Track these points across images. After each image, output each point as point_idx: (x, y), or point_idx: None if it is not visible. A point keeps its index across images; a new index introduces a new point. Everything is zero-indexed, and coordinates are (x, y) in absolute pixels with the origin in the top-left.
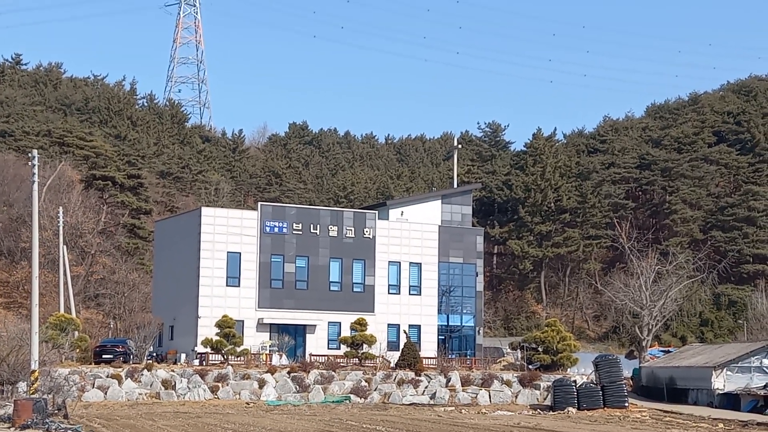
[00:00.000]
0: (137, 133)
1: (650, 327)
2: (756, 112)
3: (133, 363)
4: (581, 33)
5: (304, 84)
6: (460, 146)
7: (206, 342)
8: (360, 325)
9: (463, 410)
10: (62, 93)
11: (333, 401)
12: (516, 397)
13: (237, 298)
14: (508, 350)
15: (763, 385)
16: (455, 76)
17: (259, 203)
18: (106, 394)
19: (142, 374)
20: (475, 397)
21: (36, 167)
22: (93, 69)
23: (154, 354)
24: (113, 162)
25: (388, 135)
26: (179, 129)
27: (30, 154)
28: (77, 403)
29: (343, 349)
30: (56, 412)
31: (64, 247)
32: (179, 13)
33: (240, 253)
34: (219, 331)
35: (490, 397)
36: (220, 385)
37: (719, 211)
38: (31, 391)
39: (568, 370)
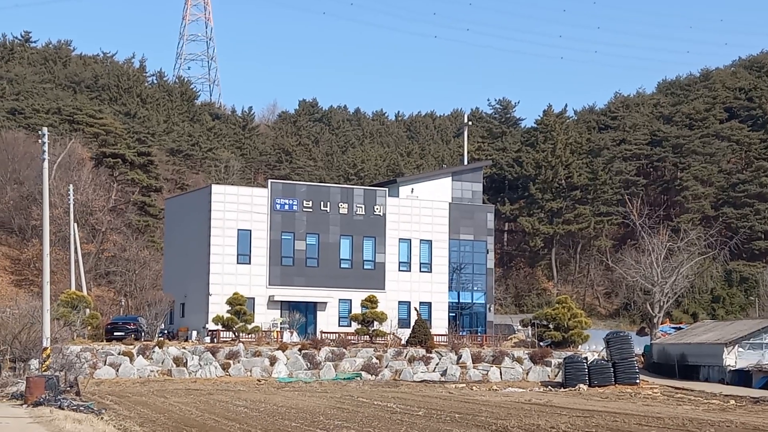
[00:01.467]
0: (147, 111)
1: (661, 304)
2: (767, 88)
3: (145, 340)
4: (592, 9)
5: (314, 61)
6: (470, 123)
7: (217, 319)
8: (371, 302)
9: (474, 387)
10: (72, 70)
11: (344, 378)
12: (527, 374)
13: (248, 276)
14: (519, 327)
15: None
16: (465, 52)
17: (270, 181)
18: (117, 371)
19: (154, 351)
20: (486, 374)
21: (46, 145)
22: (102, 46)
23: (166, 331)
24: (123, 139)
25: (398, 112)
26: (189, 106)
27: (40, 132)
28: (89, 380)
29: (354, 326)
30: (68, 389)
31: (75, 224)
32: None
33: (250, 231)
34: (230, 308)
35: (501, 374)
36: (231, 362)
37: (731, 187)
38: (43, 369)
39: (579, 347)
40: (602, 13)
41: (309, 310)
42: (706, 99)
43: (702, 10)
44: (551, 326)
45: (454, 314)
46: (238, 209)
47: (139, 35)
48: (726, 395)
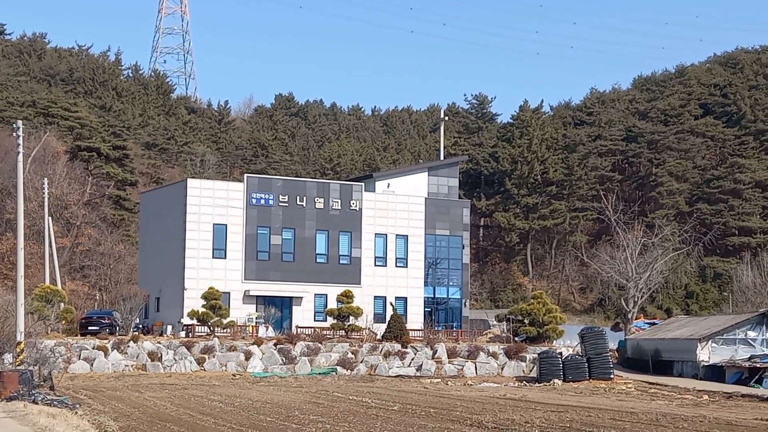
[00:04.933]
0: (122, 104)
1: (636, 299)
2: (742, 84)
3: (119, 335)
4: (568, 4)
5: (291, 55)
6: (446, 118)
7: (192, 314)
8: (346, 297)
9: (449, 382)
10: (47, 63)
11: (319, 373)
12: (502, 369)
13: (223, 270)
14: (495, 322)
15: (747, 357)
16: (442, 47)
17: (245, 175)
18: (92, 365)
19: (129, 346)
20: (461, 369)
21: (20, 138)
22: (78, 39)
23: (140, 326)
24: (98, 133)
25: (375, 107)
26: (164, 100)
27: (14, 125)
28: (63, 375)
29: (330, 321)
30: (42, 383)
31: (50, 218)
32: None
33: (226, 225)
34: (205, 302)
35: (476, 369)
36: (206, 356)
37: (705, 183)
38: (16, 363)
39: (554, 342)
40: (578, 9)
41: (284, 304)
42: (681, 95)
43: (677, 6)
44: (526, 321)
45: (429, 309)
46: (214, 203)
47: (115, 28)
48: (699, 390)
